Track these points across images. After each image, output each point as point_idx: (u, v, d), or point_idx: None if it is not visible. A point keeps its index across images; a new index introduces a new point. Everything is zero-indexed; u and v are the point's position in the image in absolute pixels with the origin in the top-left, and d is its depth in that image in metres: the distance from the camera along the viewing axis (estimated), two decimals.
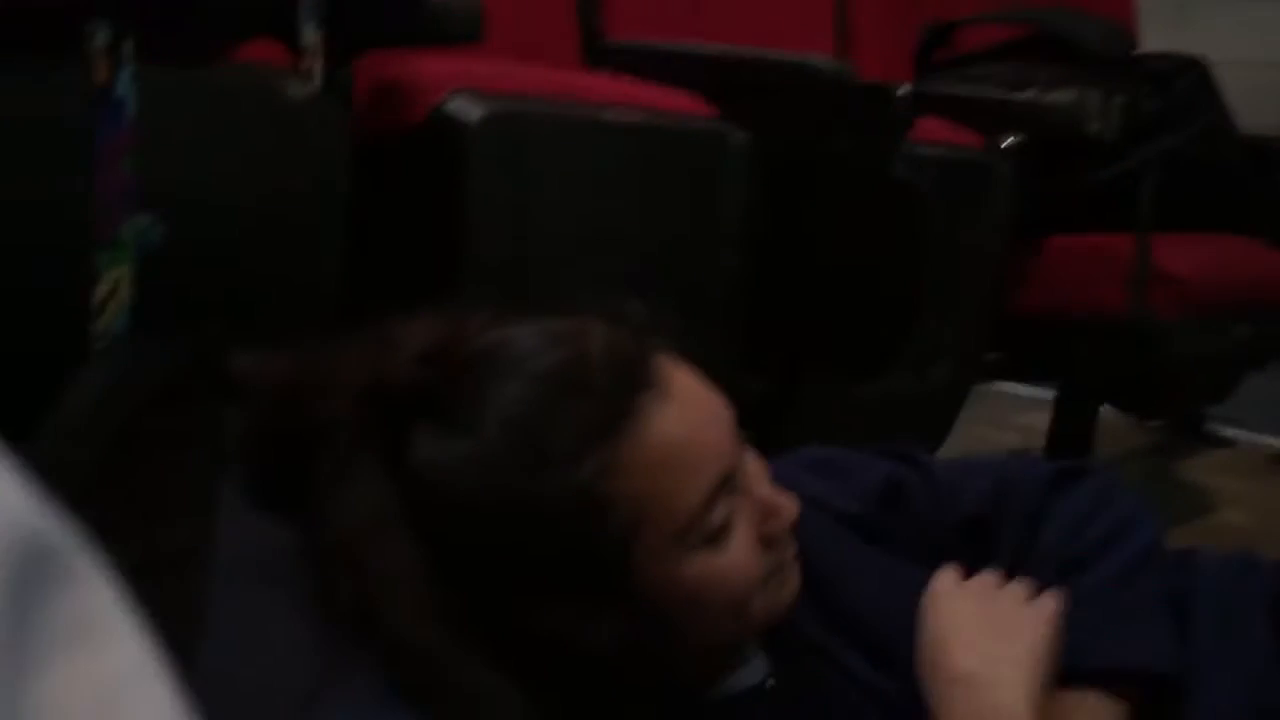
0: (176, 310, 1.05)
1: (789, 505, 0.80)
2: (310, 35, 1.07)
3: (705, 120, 1.54)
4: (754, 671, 0.84)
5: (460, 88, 1.29)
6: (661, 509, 0.74)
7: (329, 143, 1.14)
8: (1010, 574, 0.87)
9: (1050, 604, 0.84)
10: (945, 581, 0.86)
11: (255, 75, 1.10)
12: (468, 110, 1.27)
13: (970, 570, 0.87)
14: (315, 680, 0.75)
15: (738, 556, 0.78)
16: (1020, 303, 2.20)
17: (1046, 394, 2.90)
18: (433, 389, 0.74)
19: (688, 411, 0.76)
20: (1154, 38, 2.76)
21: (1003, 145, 2.08)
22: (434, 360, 0.75)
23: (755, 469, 0.80)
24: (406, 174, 1.32)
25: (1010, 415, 3.14)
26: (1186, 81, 2.29)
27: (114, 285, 0.99)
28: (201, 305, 1.08)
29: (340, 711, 0.74)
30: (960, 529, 0.91)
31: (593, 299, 0.83)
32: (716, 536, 0.77)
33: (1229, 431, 3.25)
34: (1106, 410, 2.78)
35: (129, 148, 0.97)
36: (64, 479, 0.78)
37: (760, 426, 1.71)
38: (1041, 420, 2.90)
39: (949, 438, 2.20)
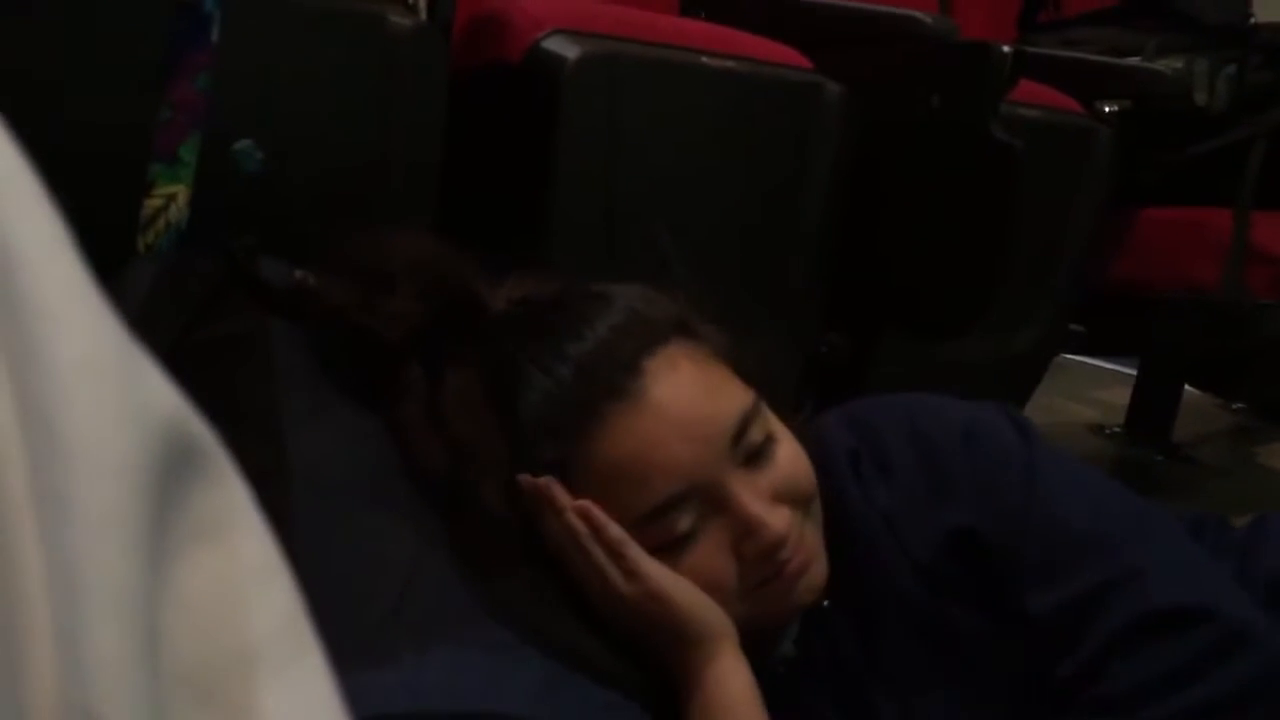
0: (272, 234, 1.06)
1: (772, 528, 0.79)
2: None
3: (801, 71, 1.52)
4: (788, 641, 0.85)
5: (558, 26, 1.29)
6: (610, 508, 0.79)
7: (429, 75, 1.14)
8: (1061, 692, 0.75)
9: None
10: None
11: (359, 3, 1.11)
12: (565, 49, 1.27)
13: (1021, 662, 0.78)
14: (411, 566, 0.78)
15: (699, 566, 0.80)
16: (1109, 274, 2.16)
17: (1127, 369, 2.85)
18: (521, 321, 0.84)
19: (649, 426, 0.78)
20: (1269, 7, 2.67)
21: (1105, 111, 2.03)
22: (529, 303, 0.86)
23: (745, 484, 0.80)
24: (502, 110, 1.32)
25: (1088, 389, 3.09)
26: None
27: (166, 201, 1.00)
28: (296, 233, 1.10)
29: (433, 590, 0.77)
30: (1032, 616, 0.78)
31: (644, 267, 0.86)
32: (673, 545, 0.79)
33: None
34: (1188, 389, 2.73)
35: (206, 66, 0.98)
36: None
37: (834, 383, 1.71)
38: (1120, 396, 2.85)
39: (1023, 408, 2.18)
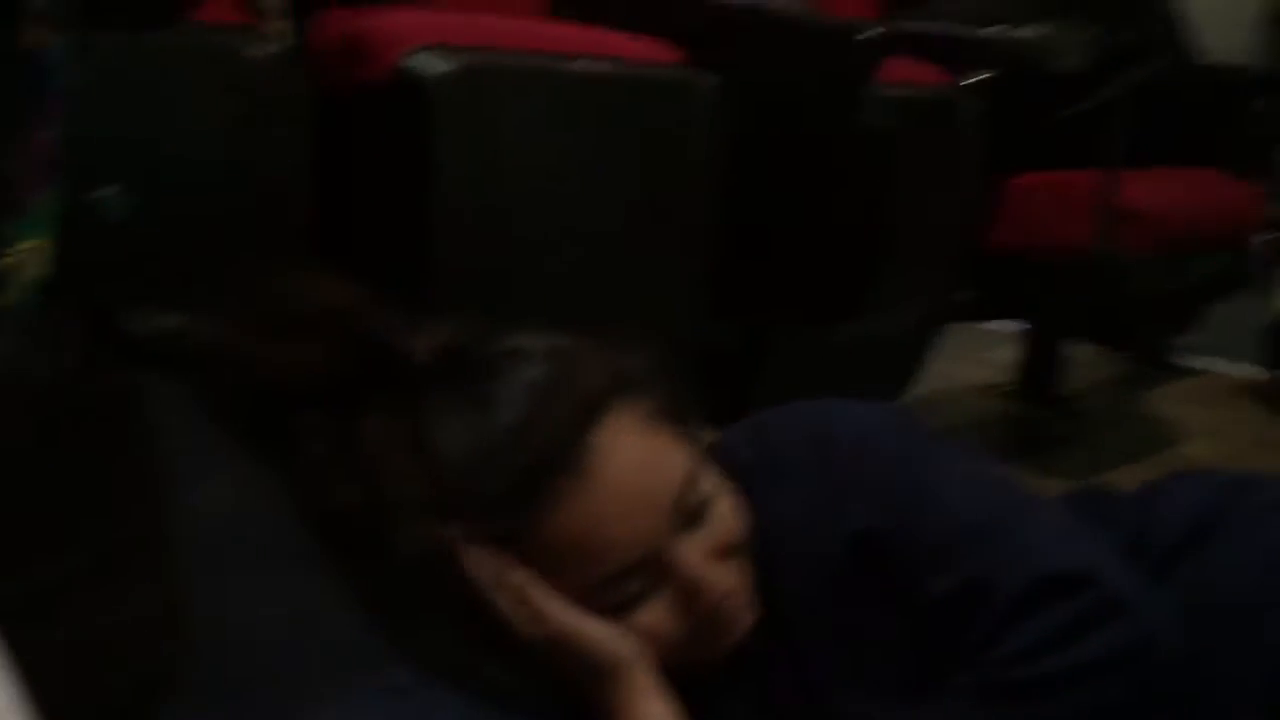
0: (142, 278, 1.03)
1: (717, 588, 0.80)
2: None
3: (672, 67, 1.53)
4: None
5: (423, 42, 1.27)
6: (560, 580, 0.79)
7: (290, 104, 1.12)
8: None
9: None
10: None
11: (214, 36, 1.08)
12: (431, 65, 1.25)
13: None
14: (315, 619, 0.77)
15: (648, 627, 0.80)
16: (989, 241, 2.21)
17: (1014, 328, 2.93)
18: (443, 372, 0.82)
19: (600, 503, 0.77)
20: None
21: (974, 82, 2.07)
22: (451, 354, 0.83)
23: (688, 546, 0.80)
24: (372, 130, 1.30)
25: (979, 350, 3.16)
26: (1153, 14, 2.29)
27: (23, 258, 0.97)
28: (167, 272, 1.07)
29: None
30: (932, 605, 0.80)
31: (591, 326, 0.85)
32: (622, 607, 0.80)
33: (1194, 361, 3.30)
34: (1074, 343, 2.81)
35: (57, 114, 0.94)
36: None
37: (728, 372, 1.72)
38: (1011, 354, 2.93)
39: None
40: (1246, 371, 3.10)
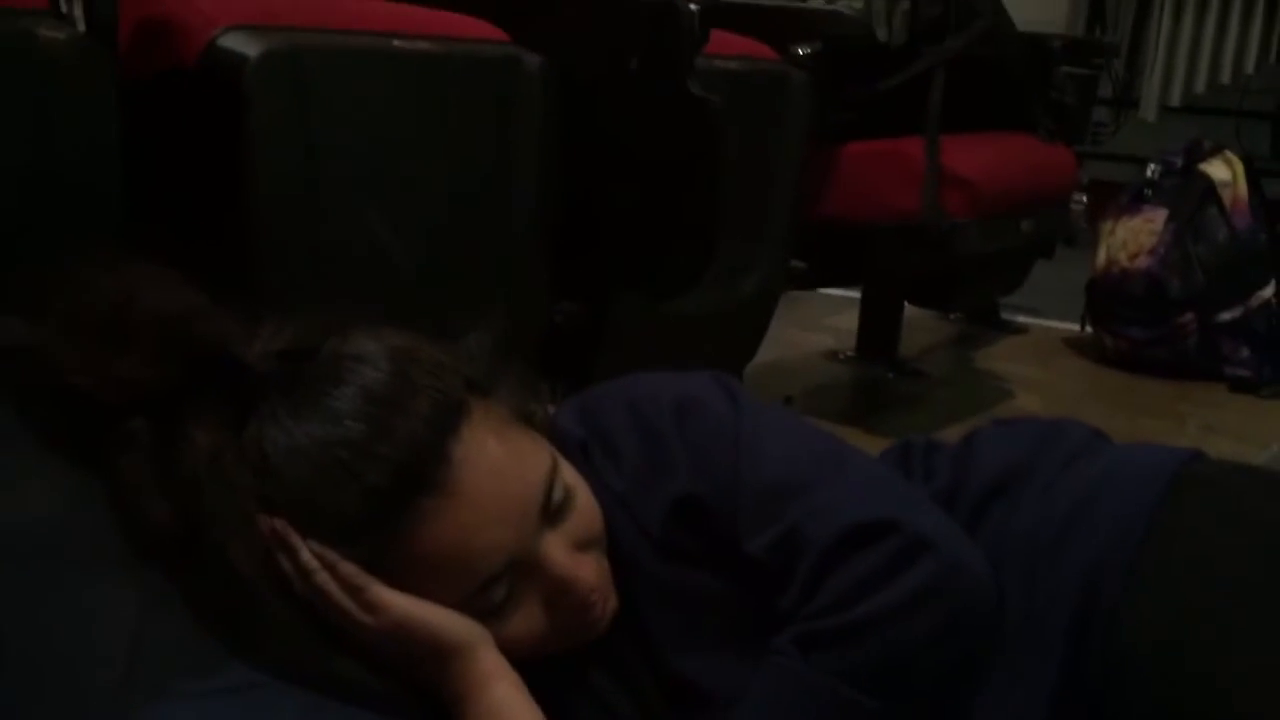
0: None
1: (584, 582, 0.81)
2: None
3: (497, 45, 1.51)
4: None
5: (232, 23, 1.22)
6: (428, 593, 0.78)
7: (93, 89, 1.06)
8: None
9: None
10: None
11: (4, 19, 1.02)
12: (243, 46, 1.21)
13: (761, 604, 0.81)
14: (138, 625, 0.74)
15: (518, 629, 0.81)
16: (820, 210, 2.26)
17: (852, 294, 3.01)
18: (284, 379, 0.80)
19: (465, 515, 0.77)
20: None
21: (799, 54, 2.11)
22: (289, 360, 0.81)
23: (553, 544, 0.81)
24: (182, 116, 1.25)
25: (820, 317, 3.23)
26: None
27: None
28: None
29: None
30: (754, 563, 0.82)
31: (431, 316, 0.84)
32: (493, 612, 0.80)
33: (1022, 319, 3.44)
34: (909, 307, 2.90)
35: None
36: None
37: (572, 350, 1.72)
38: (849, 320, 3.01)
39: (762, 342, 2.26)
40: (1071, 327, 3.25)
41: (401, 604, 0.77)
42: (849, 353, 2.99)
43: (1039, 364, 3.07)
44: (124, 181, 1.11)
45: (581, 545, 0.83)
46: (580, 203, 1.58)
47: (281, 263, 1.26)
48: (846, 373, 2.96)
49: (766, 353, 2.30)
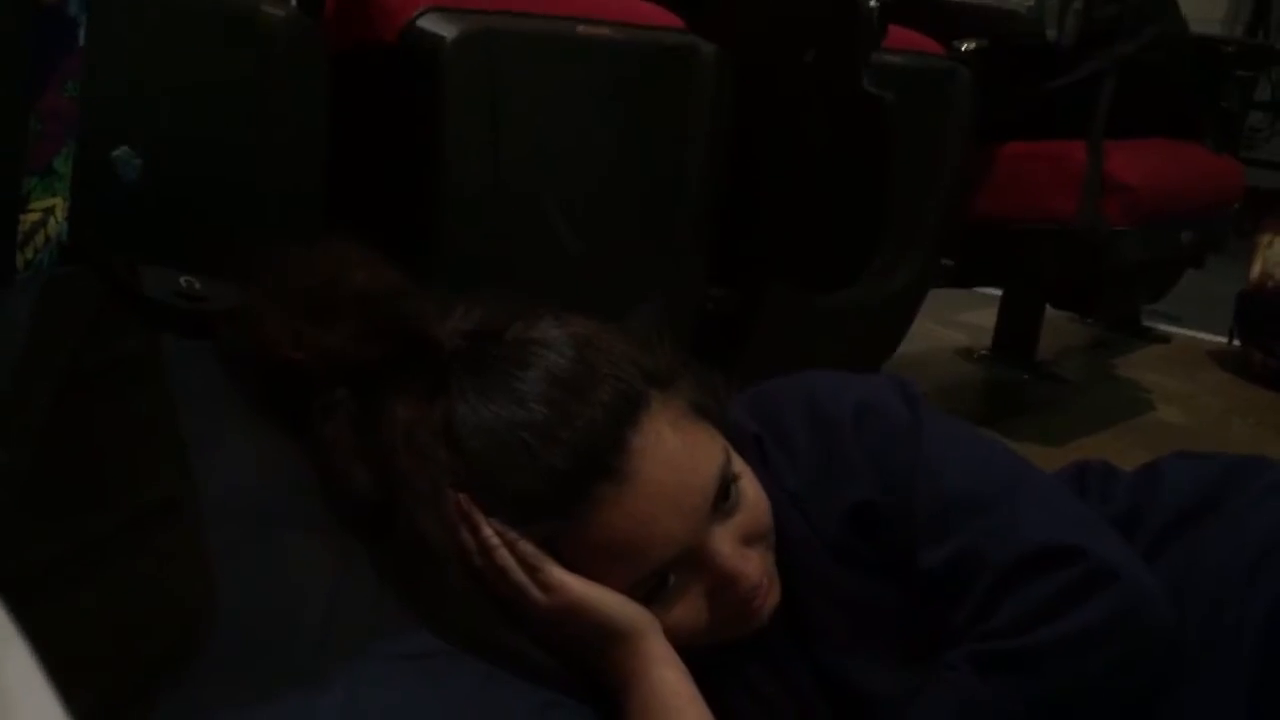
0: (158, 241, 1.03)
1: (749, 578, 0.82)
2: None
3: (675, 32, 1.52)
4: None
5: (432, 4, 1.26)
6: (601, 577, 0.80)
7: (307, 66, 1.11)
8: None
9: None
10: None
11: None
12: (441, 27, 1.25)
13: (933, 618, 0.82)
14: (334, 589, 0.78)
15: (681, 617, 0.83)
16: (973, 209, 2.23)
17: (991, 291, 2.96)
18: (473, 359, 0.83)
19: (641, 504, 0.79)
20: None
21: (963, 50, 2.08)
22: (480, 340, 0.84)
23: (721, 537, 0.82)
24: (379, 91, 1.29)
25: (956, 314, 3.19)
26: None
27: (43, 216, 0.96)
28: (183, 235, 1.06)
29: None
30: (927, 576, 0.82)
31: (628, 318, 0.85)
32: (659, 599, 0.82)
33: (1165, 327, 3.35)
34: (1049, 309, 2.85)
35: (74, 72, 0.93)
36: (16, 422, 0.77)
37: (720, 338, 1.73)
38: (986, 318, 2.97)
39: None
40: (1215, 339, 3.15)
41: (576, 586, 0.80)
42: (984, 351, 2.95)
43: (1181, 375, 2.99)
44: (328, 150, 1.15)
45: (749, 540, 0.84)
46: (748, 191, 1.59)
47: (463, 235, 1.30)
48: (980, 372, 2.92)
49: (902, 346, 2.29)
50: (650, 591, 0.82)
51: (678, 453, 0.81)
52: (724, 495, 0.82)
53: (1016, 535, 0.79)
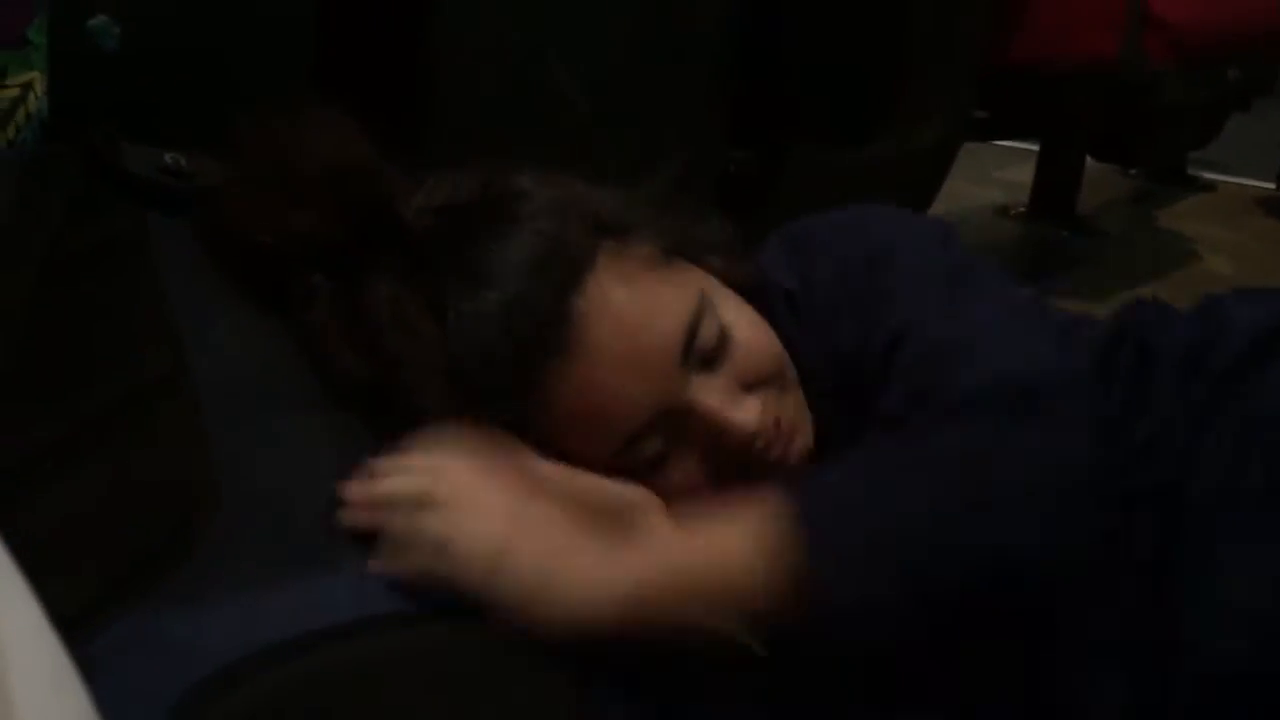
0: (140, 113, 0.99)
1: (741, 426, 0.76)
2: None
3: None
4: None
5: None
6: (575, 451, 0.75)
7: None
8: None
9: None
10: None
11: None
12: None
13: None
14: (334, 469, 0.76)
15: (682, 478, 0.77)
16: (1008, 55, 2.13)
17: (1027, 146, 2.87)
18: (437, 237, 0.78)
19: (596, 372, 0.73)
20: None
21: None
22: (450, 215, 0.79)
23: (705, 388, 0.76)
24: None
25: (992, 170, 3.11)
26: None
27: (22, 90, 0.93)
28: (165, 106, 1.02)
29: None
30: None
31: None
32: (649, 467, 0.76)
33: (1210, 175, 3.24)
34: (1088, 160, 2.76)
35: None
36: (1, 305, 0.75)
37: (745, 197, 1.68)
38: (1023, 174, 2.88)
39: None
40: (1263, 185, 3.05)
41: (558, 476, 0.76)
42: (1021, 208, 2.87)
43: (1229, 224, 2.90)
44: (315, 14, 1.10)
45: (747, 384, 0.77)
46: (765, 46, 1.52)
47: (462, 101, 1.25)
48: (1018, 230, 2.84)
49: (935, 206, 2.22)
50: (639, 460, 0.76)
51: (630, 312, 0.74)
52: (697, 346, 0.75)
53: (970, 373, 0.71)
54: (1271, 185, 3.02)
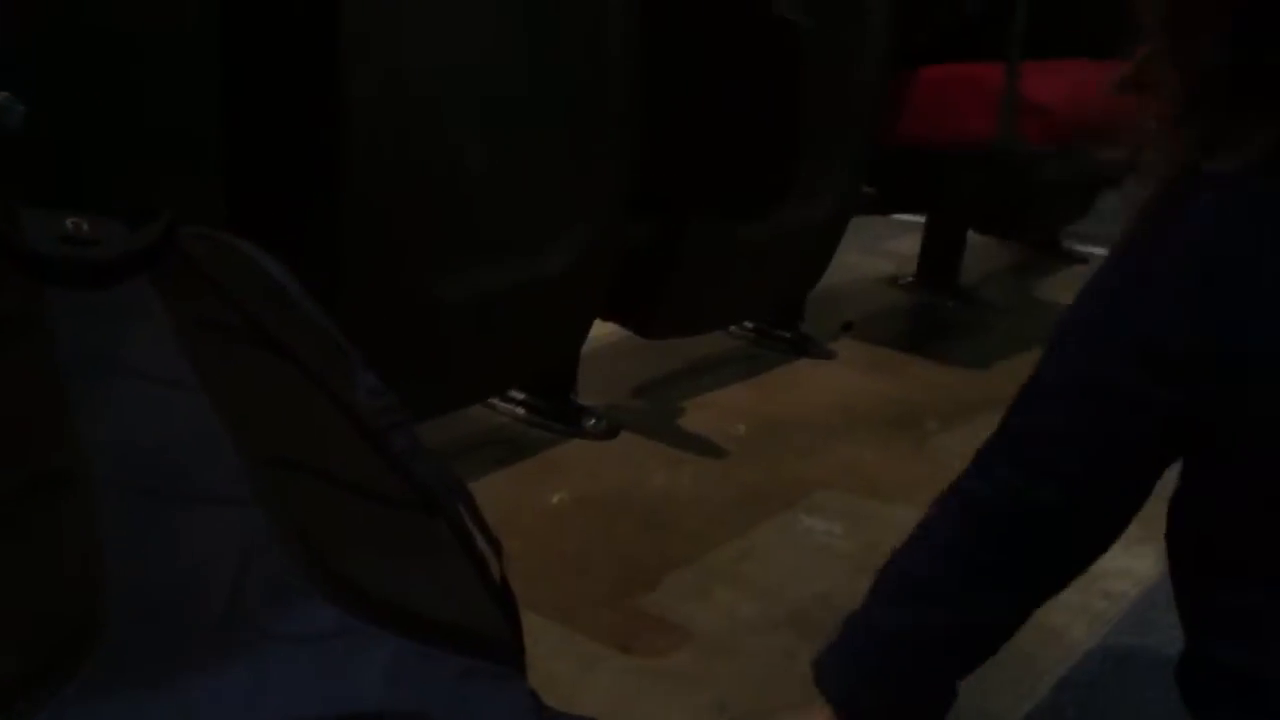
0: (59, 186, 0.99)
1: None
2: None
3: None
4: None
5: None
6: None
7: None
8: None
9: None
10: None
11: None
12: None
13: None
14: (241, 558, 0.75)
15: None
16: (895, 134, 2.22)
17: (913, 219, 2.97)
18: None
19: None
20: None
21: None
22: None
23: None
24: (277, 12, 1.24)
25: (880, 242, 3.20)
26: None
27: None
28: (70, 176, 1.02)
29: None
30: None
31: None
32: None
33: (1084, 248, 3.39)
34: (970, 234, 2.87)
35: None
36: None
37: (645, 272, 1.71)
38: (910, 245, 2.98)
39: None
40: None
41: None
42: (909, 278, 2.97)
43: None
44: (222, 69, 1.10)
45: None
46: (661, 119, 1.57)
47: (369, 169, 1.26)
48: (906, 299, 2.93)
49: (826, 277, 2.28)
50: None
51: None
52: None
53: None
54: None
